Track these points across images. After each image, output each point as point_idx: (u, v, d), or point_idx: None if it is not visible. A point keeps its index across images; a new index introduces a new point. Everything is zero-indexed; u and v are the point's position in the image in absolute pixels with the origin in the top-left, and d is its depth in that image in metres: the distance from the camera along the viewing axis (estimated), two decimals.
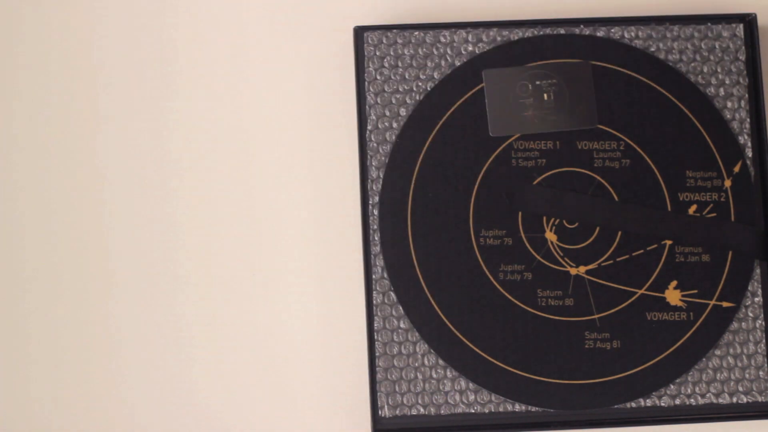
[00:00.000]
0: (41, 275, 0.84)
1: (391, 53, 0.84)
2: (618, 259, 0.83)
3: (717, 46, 0.86)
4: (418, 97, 0.84)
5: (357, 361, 0.83)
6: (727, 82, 0.85)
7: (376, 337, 0.81)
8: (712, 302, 0.82)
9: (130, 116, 0.86)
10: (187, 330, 0.84)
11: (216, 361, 0.83)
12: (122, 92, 0.86)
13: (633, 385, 0.81)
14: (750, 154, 0.85)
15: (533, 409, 0.80)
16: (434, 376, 0.81)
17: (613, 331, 0.81)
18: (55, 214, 0.85)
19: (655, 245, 0.83)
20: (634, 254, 0.83)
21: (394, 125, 0.84)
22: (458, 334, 0.81)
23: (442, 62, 0.85)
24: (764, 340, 0.82)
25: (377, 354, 0.81)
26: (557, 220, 0.83)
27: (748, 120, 0.85)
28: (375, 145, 0.83)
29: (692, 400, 0.81)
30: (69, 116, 0.86)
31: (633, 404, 0.81)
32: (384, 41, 0.84)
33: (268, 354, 0.83)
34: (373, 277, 0.81)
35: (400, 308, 0.81)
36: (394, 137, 0.83)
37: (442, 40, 0.85)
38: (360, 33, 0.84)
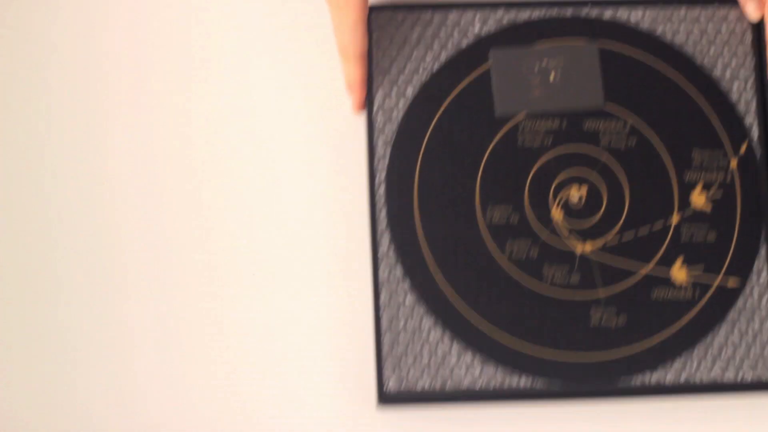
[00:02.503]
0: (42, 275, 0.85)
1: (399, 33, 0.85)
2: (624, 237, 0.83)
3: (724, 29, 0.86)
4: (424, 77, 0.85)
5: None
6: (734, 64, 0.86)
7: (382, 312, 0.81)
8: (718, 280, 0.82)
9: (136, 115, 0.87)
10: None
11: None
12: (129, 91, 0.87)
13: (638, 361, 0.81)
14: (756, 135, 0.85)
15: (539, 382, 0.80)
16: (440, 350, 0.81)
17: (619, 308, 0.82)
18: (57, 213, 0.85)
19: (661, 223, 0.83)
20: (640, 232, 0.83)
21: (401, 104, 0.84)
22: (464, 309, 0.81)
23: (449, 43, 0.85)
24: None
25: (383, 329, 0.81)
26: (564, 198, 0.83)
27: (755, 101, 0.85)
28: (382, 123, 0.84)
29: (697, 376, 0.81)
30: (78, 117, 0.87)
31: (638, 380, 0.81)
32: (391, 21, 0.85)
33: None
34: (380, 252, 0.82)
35: (407, 283, 0.82)
36: (400, 116, 0.84)
37: (450, 20, 0.85)
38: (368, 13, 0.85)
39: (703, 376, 0.81)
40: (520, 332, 0.81)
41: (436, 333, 0.81)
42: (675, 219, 0.83)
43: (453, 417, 0.83)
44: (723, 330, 0.82)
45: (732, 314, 0.82)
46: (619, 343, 0.81)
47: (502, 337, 0.81)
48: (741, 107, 0.85)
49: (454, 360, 0.81)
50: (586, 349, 0.81)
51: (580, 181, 0.84)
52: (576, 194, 0.83)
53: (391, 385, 0.81)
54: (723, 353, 0.82)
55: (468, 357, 0.81)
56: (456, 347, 0.81)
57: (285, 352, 0.83)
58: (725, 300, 0.82)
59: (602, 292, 0.82)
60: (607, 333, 0.81)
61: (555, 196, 0.83)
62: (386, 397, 0.81)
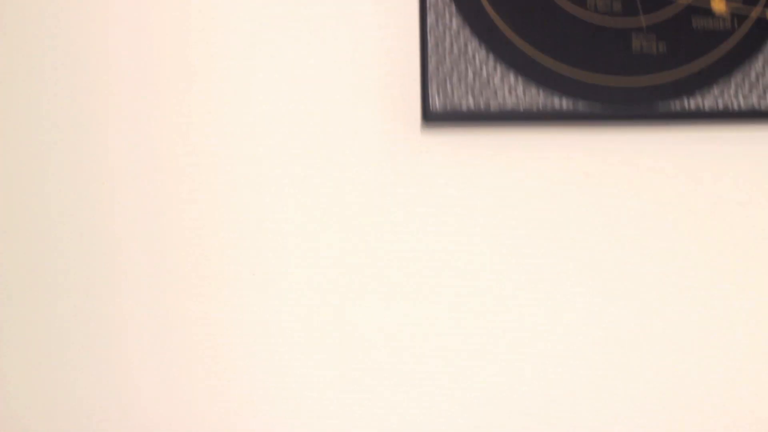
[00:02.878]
0: (42, 275, 0.85)
1: None
2: None
3: None
4: None
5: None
6: None
7: (428, 33, 0.82)
8: (757, 11, 0.84)
9: (139, 113, 0.86)
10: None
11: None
12: (133, 88, 0.86)
13: (677, 86, 0.83)
14: None
15: (580, 105, 0.82)
16: (484, 71, 0.83)
17: (659, 36, 0.83)
18: (57, 213, 0.85)
19: None
20: None
21: None
22: (509, 32, 0.83)
23: None
24: None
25: (429, 48, 0.82)
26: None
27: None
28: None
29: (735, 103, 0.83)
30: (78, 115, 0.86)
31: (677, 106, 0.83)
32: None
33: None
34: None
35: (453, 7, 0.83)
36: None
37: None
38: None
39: (740, 102, 0.83)
40: (562, 56, 0.83)
41: (480, 55, 0.83)
42: None
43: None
44: (760, 59, 0.84)
45: None
46: (659, 68, 0.83)
47: (545, 60, 0.83)
48: None
49: (498, 81, 0.83)
50: (626, 74, 0.83)
51: None
52: None
53: (437, 104, 0.83)
54: (760, 81, 0.83)
55: (511, 78, 0.83)
56: (500, 69, 0.83)
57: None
58: (763, 31, 0.84)
59: (644, 20, 0.83)
60: (648, 59, 0.83)
61: None
62: (431, 116, 0.82)
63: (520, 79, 0.83)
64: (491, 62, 0.83)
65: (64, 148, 0.85)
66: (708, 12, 0.84)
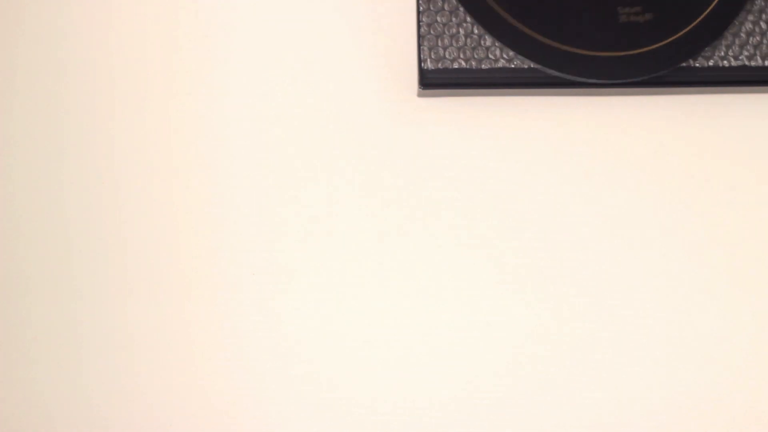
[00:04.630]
0: (42, 275, 0.86)
1: None
2: None
3: None
4: None
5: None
6: None
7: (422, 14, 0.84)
8: None
9: (142, 111, 0.88)
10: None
11: None
12: (133, 87, 0.88)
13: (668, 53, 0.83)
14: None
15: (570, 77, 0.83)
16: (476, 31, 0.84)
17: (645, 4, 0.84)
18: (57, 212, 0.87)
19: None
20: None
21: None
22: (497, 7, 0.84)
23: None
24: None
25: (421, 9, 0.84)
26: None
27: None
28: None
29: (725, 62, 0.84)
30: (83, 113, 0.88)
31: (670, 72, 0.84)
32: None
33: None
34: None
35: None
36: None
37: None
38: None
39: (731, 61, 0.84)
40: (551, 32, 0.83)
41: (475, 30, 0.84)
42: None
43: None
44: (750, 18, 0.84)
45: (759, 1, 0.84)
46: (649, 37, 0.83)
47: (535, 35, 0.83)
48: None
49: (489, 41, 0.84)
50: (617, 46, 0.83)
51: None
52: None
53: (429, 64, 0.84)
54: (751, 40, 0.84)
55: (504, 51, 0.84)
56: (489, 39, 0.84)
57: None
58: None
59: None
60: (637, 28, 0.83)
61: None
62: (427, 77, 0.84)
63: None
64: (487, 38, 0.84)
65: (65, 148, 0.87)
66: None
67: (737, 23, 0.85)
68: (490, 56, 0.84)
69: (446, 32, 0.84)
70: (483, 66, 0.84)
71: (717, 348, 0.85)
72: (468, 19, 0.84)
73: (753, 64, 0.85)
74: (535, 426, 0.85)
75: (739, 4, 0.84)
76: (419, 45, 0.84)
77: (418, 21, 0.84)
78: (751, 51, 0.85)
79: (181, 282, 0.86)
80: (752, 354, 0.85)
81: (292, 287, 0.85)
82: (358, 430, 0.85)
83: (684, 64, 0.84)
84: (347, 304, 0.85)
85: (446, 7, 0.84)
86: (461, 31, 0.85)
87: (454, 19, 0.84)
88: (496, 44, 0.84)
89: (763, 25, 0.85)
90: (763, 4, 0.85)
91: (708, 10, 0.84)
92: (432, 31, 0.84)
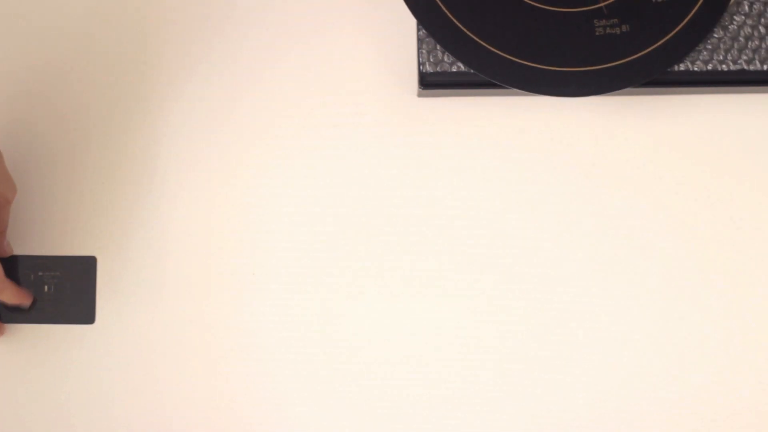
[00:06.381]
0: None
1: None
2: None
3: None
4: None
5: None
6: None
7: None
8: None
9: (143, 111, 0.88)
10: None
11: None
12: (135, 86, 0.89)
13: (648, 64, 0.82)
14: None
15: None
16: None
17: (622, 16, 0.83)
18: (61, 211, 0.88)
19: None
20: None
21: None
22: (467, 31, 0.83)
23: None
24: None
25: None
26: None
27: None
28: None
29: (724, 66, 0.84)
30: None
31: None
32: None
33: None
34: None
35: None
36: None
37: None
38: None
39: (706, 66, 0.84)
40: (527, 51, 0.82)
41: None
42: None
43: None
44: (731, 27, 0.84)
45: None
46: (627, 49, 0.82)
47: (510, 57, 0.82)
48: None
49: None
50: (595, 60, 0.82)
51: None
52: None
53: (428, 67, 0.85)
54: (735, 44, 0.84)
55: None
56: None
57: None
58: None
59: (603, 3, 0.83)
60: (614, 41, 0.82)
61: None
62: (426, 80, 0.85)
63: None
64: None
65: (66, 148, 0.88)
66: None
67: (736, 27, 0.85)
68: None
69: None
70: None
71: (717, 348, 0.85)
72: None
73: (752, 68, 0.85)
74: (535, 426, 0.85)
75: (718, 13, 0.83)
76: (419, 49, 0.85)
77: (418, 25, 0.85)
78: (750, 55, 0.85)
79: (182, 281, 0.87)
80: (752, 354, 0.85)
81: (292, 287, 0.86)
82: (358, 430, 0.86)
83: (683, 68, 0.85)
84: (347, 304, 0.86)
85: None
86: None
87: None
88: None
89: (761, 29, 0.85)
90: (761, 8, 0.85)
91: (686, 20, 0.83)
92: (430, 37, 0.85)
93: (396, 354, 0.86)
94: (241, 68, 0.88)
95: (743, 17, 0.85)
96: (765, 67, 0.85)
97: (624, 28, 0.83)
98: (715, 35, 0.84)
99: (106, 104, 0.88)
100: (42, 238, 0.87)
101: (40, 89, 0.88)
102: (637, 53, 0.83)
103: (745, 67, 0.85)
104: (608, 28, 0.82)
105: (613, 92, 0.84)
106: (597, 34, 0.83)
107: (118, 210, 0.87)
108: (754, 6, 0.85)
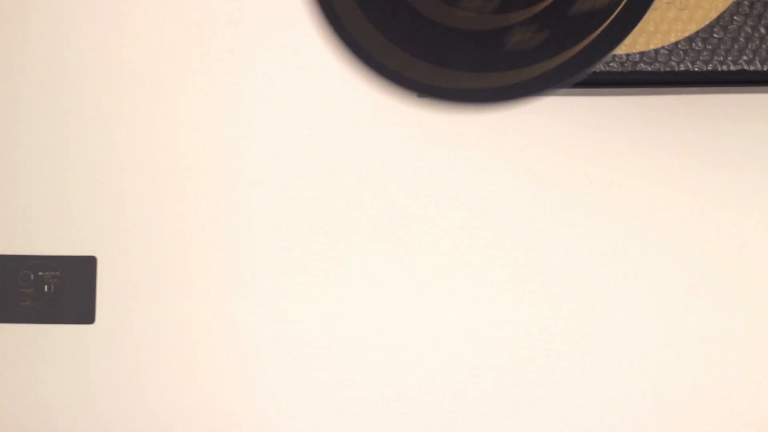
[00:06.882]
0: None
1: None
2: None
3: None
4: None
5: None
6: None
7: None
8: None
9: (143, 112, 0.88)
10: None
11: None
12: (135, 86, 0.89)
13: (567, 67, 0.80)
14: None
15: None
16: None
17: (540, 22, 0.80)
18: (61, 212, 0.88)
19: None
20: None
21: None
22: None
23: None
24: None
25: None
26: None
27: None
28: None
29: (724, 67, 0.84)
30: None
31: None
32: None
33: None
34: None
35: None
36: None
37: None
38: None
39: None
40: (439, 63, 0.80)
41: None
42: None
43: None
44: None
45: None
46: (542, 55, 0.79)
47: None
48: None
49: None
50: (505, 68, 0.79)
51: None
52: None
53: None
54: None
55: None
56: None
57: None
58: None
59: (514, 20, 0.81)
60: (527, 52, 0.79)
61: None
62: None
63: None
64: None
65: (67, 147, 0.88)
66: None
67: (736, 27, 0.85)
68: None
69: None
70: None
71: (717, 348, 0.85)
72: None
73: (752, 68, 0.84)
74: (536, 426, 0.85)
75: (639, 15, 0.81)
76: None
77: None
78: (750, 55, 0.85)
79: (181, 282, 0.87)
80: (752, 354, 0.85)
81: (292, 287, 0.86)
82: (358, 429, 0.86)
83: (682, 68, 0.84)
84: (347, 304, 0.86)
85: None
86: None
87: None
88: None
89: (761, 29, 0.85)
90: (761, 8, 0.85)
91: (609, 21, 0.81)
92: None
93: (396, 354, 0.86)
94: (242, 67, 0.88)
95: (743, 17, 0.85)
96: (765, 67, 0.84)
97: (544, 33, 0.77)
98: (715, 35, 0.84)
99: (106, 103, 0.88)
100: (42, 238, 0.87)
101: (40, 88, 0.88)
102: (554, 57, 0.80)
103: (745, 67, 0.84)
104: (526, 35, 0.78)
105: (613, 93, 0.84)
106: (515, 40, 0.78)
107: (118, 210, 0.87)
108: (754, 6, 0.85)
